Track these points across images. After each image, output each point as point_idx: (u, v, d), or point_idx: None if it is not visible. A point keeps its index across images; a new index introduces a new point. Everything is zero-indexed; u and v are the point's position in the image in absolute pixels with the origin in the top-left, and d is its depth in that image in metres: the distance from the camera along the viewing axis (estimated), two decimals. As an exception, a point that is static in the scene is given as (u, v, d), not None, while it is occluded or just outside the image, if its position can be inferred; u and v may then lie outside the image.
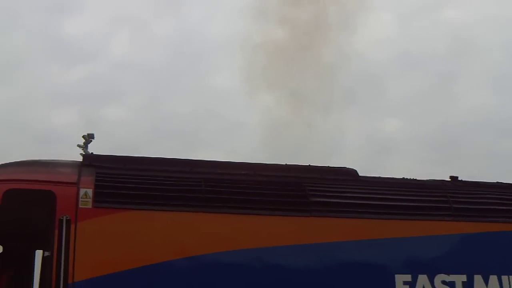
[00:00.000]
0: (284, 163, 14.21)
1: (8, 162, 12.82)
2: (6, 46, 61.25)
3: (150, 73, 58.77)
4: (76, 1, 63.12)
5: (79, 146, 39.53)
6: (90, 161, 13.06)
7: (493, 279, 13.58)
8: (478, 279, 13.49)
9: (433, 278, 13.23)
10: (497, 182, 15.32)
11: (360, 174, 14.32)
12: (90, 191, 12.11)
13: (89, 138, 39.55)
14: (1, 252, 13.13)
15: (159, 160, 13.40)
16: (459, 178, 15.20)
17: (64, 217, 11.78)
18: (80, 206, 11.97)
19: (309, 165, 14.35)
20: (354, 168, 14.40)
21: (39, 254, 14.82)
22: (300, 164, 14.37)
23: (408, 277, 13.11)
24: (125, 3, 60.84)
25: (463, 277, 13.43)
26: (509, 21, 53.60)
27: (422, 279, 13.18)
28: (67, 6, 63.41)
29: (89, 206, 12.03)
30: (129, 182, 12.51)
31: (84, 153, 38.59)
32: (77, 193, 12.04)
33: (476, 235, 13.86)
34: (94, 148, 38.45)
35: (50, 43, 61.59)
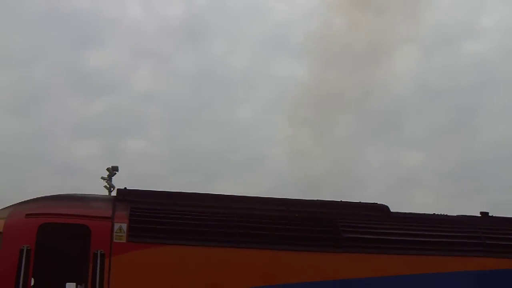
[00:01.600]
0: (317, 199, 14.25)
1: (43, 196, 12.95)
2: (30, 78, 61.82)
3: (171, 106, 59.05)
4: (99, 35, 63.62)
5: (103, 178, 39.75)
6: (124, 195, 13.14)
7: None
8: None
9: None
10: (528, 217, 15.27)
11: (391, 210, 14.34)
12: (124, 226, 12.20)
13: (113, 170, 39.73)
14: (33, 285, 13.16)
15: (192, 195, 13.48)
16: (489, 214, 15.20)
17: (99, 251, 11.87)
18: (114, 240, 12.08)
19: (341, 200, 14.38)
20: (385, 204, 14.41)
21: (70, 287, 14.85)
22: (331, 199, 14.42)
23: None
24: (147, 37, 61.22)
25: None
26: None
27: None
28: (90, 40, 63.91)
29: (123, 240, 12.12)
30: (163, 217, 12.58)
31: (108, 185, 38.79)
32: (112, 228, 12.14)
33: (508, 272, 13.80)
34: (117, 181, 38.68)
35: (73, 75, 62.12)
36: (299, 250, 12.77)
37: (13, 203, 12.79)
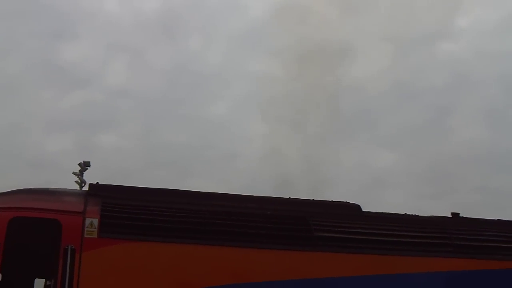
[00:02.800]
0: (289, 197, 14.26)
1: (13, 189, 12.84)
2: (3, 69, 61.31)
3: (145, 102, 58.81)
4: (75, 27, 63.19)
5: (74, 173, 39.49)
6: (96, 190, 13.06)
7: None
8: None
9: None
10: (498, 219, 15.37)
11: (363, 209, 14.38)
12: (95, 221, 12.12)
13: (85, 165, 39.50)
14: (0, 281, 13.03)
15: (164, 191, 13.43)
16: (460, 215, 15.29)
17: (69, 246, 11.79)
18: (85, 235, 12.00)
19: (313, 199, 14.40)
20: (357, 203, 14.45)
21: (39, 282, 14.71)
22: (304, 198, 14.43)
23: None
24: (123, 31, 60.97)
25: None
26: (504, 55, 53.88)
27: None
28: (65, 32, 63.49)
29: (95, 236, 12.04)
30: (134, 213, 12.52)
31: (79, 180, 38.57)
32: (83, 223, 12.06)
33: (477, 272, 13.88)
34: (89, 176, 38.42)
35: (47, 68, 61.68)
36: (271, 248, 12.75)
37: (-18, 197, 12.62)
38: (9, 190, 12.87)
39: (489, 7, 56.02)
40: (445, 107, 51.46)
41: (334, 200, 14.48)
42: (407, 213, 14.85)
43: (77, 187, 37.27)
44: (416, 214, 14.89)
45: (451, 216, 15.19)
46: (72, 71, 60.00)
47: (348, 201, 14.52)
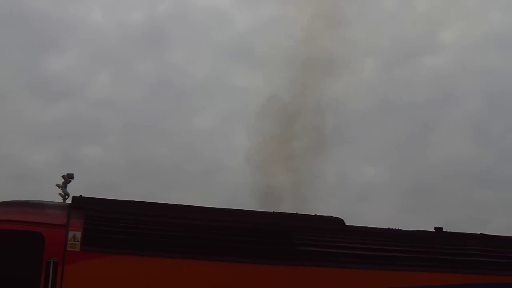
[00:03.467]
0: (272, 211, 14.25)
1: (-4, 201, 12.78)
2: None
3: (129, 114, 58.69)
4: (60, 39, 63.11)
5: (58, 185, 39.40)
6: (79, 203, 13.01)
7: None
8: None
9: None
10: (481, 233, 15.42)
11: (346, 223, 14.39)
12: (78, 234, 12.08)
13: (68, 178, 39.42)
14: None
15: (147, 205, 13.39)
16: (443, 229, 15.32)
17: (52, 259, 11.74)
18: (68, 248, 11.95)
19: (297, 213, 14.40)
20: (340, 217, 14.46)
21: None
22: (287, 212, 14.43)
23: None
24: (108, 43, 60.89)
25: None
26: (487, 70, 54.15)
27: None
28: (50, 43, 63.35)
29: (77, 249, 11.99)
30: (118, 227, 12.48)
31: (63, 193, 38.49)
32: (66, 236, 12.01)
33: (459, 287, 13.90)
34: (73, 188, 38.34)
35: (31, 79, 61.44)
36: (254, 263, 12.71)
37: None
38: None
39: (473, 22, 56.27)
40: (429, 121, 51.62)
41: (317, 214, 14.47)
42: (391, 227, 14.86)
43: (60, 199, 37.18)
44: (400, 228, 14.91)
45: (434, 230, 15.21)
46: (56, 82, 59.86)
47: (331, 215, 14.52)
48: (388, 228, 14.75)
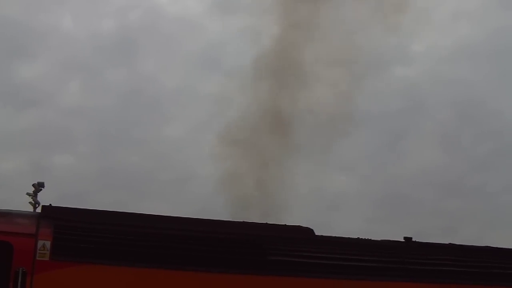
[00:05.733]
0: (242, 220, 14.28)
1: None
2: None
3: (100, 121, 58.47)
4: (31, 46, 62.74)
5: (28, 194, 39.14)
6: (49, 212, 12.95)
7: None
8: None
9: None
10: (450, 243, 15.53)
11: (316, 233, 14.45)
12: (48, 244, 12.01)
13: (39, 186, 39.17)
14: None
15: (118, 214, 13.38)
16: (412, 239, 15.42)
17: (21, 269, 11.67)
18: (37, 258, 11.88)
19: (266, 222, 14.44)
20: (310, 227, 14.51)
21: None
22: (256, 221, 14.47)
23: None
24: (79, 51, 60.68)
25: None
26: (457, 81, 54.58)
27: None
28: (20, 51, 63.00)
29: (47, 258, 11.92)
30: (87, 236, 12.42)
31: (33, 201, 38.25)
32: (35, 245, 11.95)
33: None
34: (43, 197, 38.10)
35: (1, 87, 61.06)
36: (224, 272, 12.72)
37: None
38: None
39: (443, 34, 56.78)
40: (400, 131, 51.95)
41: (287, 224, 14.52)
42: (360, 237, 14.94)
43: (31, 208, 36.97)
44: (369, 238, 14.99)
45: (403, 240, 15.31)
46: (27, 90, 59.53)
47: (301, 225, 14.58)
48: (358, 238, 14.82)
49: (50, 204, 13.27)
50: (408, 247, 14.92)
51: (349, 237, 14.70)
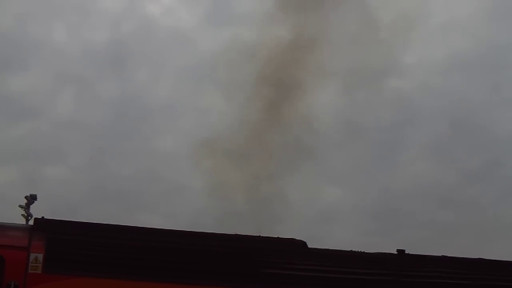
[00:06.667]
0: (234, 233, 14.25)
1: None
2: None
3: (93, 133, 58.31)
4: (23, 57, 62.62)
5: (20, 206, 38.97)
6: (41, 225, 12.92)
7: None
8: None
9: None
10: (442, 255, 15.53)
11: (309, 246, 14.44)
12: (40, 256, 11.98)
13: (31, 199, 39.01)
14: None
15: (110, 227, 13.35)
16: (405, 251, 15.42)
17: (12, 282, 11.64)
18: (29, 271, 11.85)
19: (259, 235, 14.41)
20: (303, 240, 14.50)
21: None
22: (248, 234, 14.44)
23: None
24: (72, 62, 60.56)
25: None
26: (449, 92, 54.66)
27: None
28: (12, 61, 62.87)
29: (39, 271, 11.89)
30: (80, 249, 12.40)
31: (26, 214, 38.10)
32: (27, 258, 11.91)
33: None
34: (36, 209, 37.92)
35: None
36: (216, 285, 12.70)
37: None
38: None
39: (436, 45, 56.85)
40: (393, 142, 51.95)
41: (280, 237, 14.50)
42: (353, 249, 14.93)
43: (23, 220, 36.83)
44: (362, 250, 14.98)
45: (396, 252, 15.30)
46: (19, 101, 59.37)
47: (294, 238, 14.55)
48: (351, 250, 14.81)
49: (43, 217, 13.24)
50: (401, 260, 14.91)
51: (342, 250, 14.68)
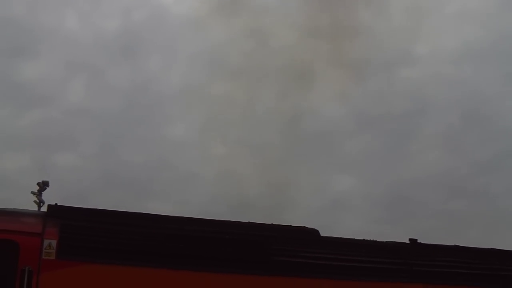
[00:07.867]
0: (247, 221, 14.28)
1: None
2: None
3: (104, 121, 58.35)
4: (34, 45, 62.70)
5: (33, 193, 39.11)
6: (55, 212, 12.97)
7: None
8: None
9: None
10: (455, 245, 15.54)
11: (321, 234, 14.45)
12: (54, 243, 12.05)
13: (44, 185, 39.15)
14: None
15: (123, 214, 13.38)
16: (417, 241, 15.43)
17: (27, 267, 11.71)
18: (43, 257, 11.92)
19: (272, 223, 14.43)
20: (315, 228, 14.51)
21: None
22: (262, 222, 14.46)
23: None
24: (83, 49, 60.60)
25: None
26: (460, 81, 54.44)
27: None
28: (24, 49, 62.94)
29: (52, 257, 11.97)
30: (93, 235, 12.46)
31: (38, 200, 38.25)
32: (41, 244, 11.98)
33: None
34: (48, 195, 38.06)
35: (4, 86, 60.95)
36: (228, 273, 12.76)
37: None
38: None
39: (447, 35, 56.66)
40: (404, 132, 51.85)
41: (292, 225, 14.51)
42: (365, 238, 14.94)
43: (36, 207, 36.97)
44: (374, 239, 14.99)
45: (409, 241, 15.31)
46: (30, 88, 59.43)
47: (306, 226, 14.57)
48: (363, 239, 14.82)
49: (56, 203, 13.28)
50: (413, 249, 14.92)
51: (354, 238, 14.70)
